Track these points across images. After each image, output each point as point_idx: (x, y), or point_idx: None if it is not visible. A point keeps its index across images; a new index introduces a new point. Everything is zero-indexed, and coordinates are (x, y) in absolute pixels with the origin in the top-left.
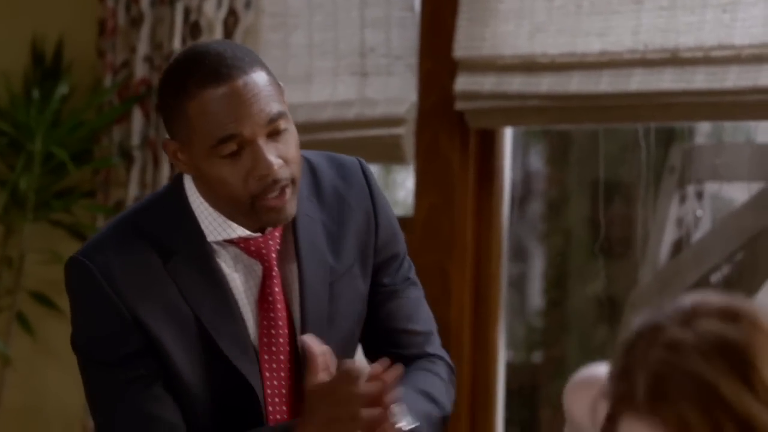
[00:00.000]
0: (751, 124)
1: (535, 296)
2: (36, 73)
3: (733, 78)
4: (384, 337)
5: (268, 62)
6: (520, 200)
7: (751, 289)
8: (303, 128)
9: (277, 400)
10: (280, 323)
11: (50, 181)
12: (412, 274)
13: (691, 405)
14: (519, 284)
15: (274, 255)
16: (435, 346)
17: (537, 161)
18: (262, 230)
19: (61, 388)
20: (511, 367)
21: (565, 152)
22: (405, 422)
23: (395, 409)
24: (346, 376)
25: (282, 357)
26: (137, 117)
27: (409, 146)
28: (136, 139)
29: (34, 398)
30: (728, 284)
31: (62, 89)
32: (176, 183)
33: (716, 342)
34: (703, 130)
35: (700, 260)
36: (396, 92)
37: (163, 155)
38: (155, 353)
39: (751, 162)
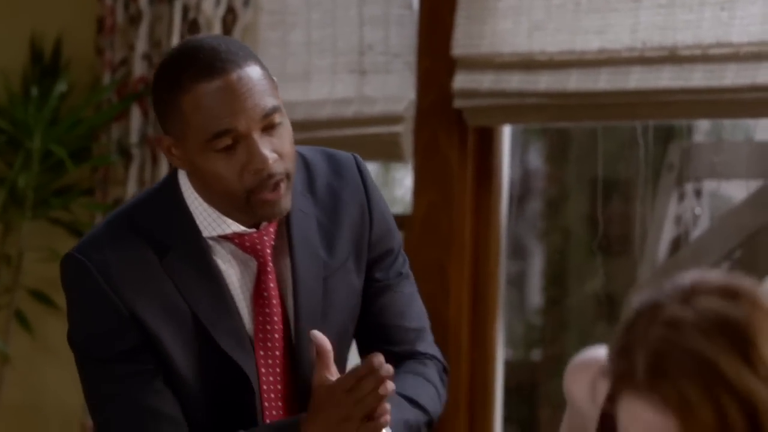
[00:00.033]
0: (750, 122)
1: (535, 294)
2: (35, 70)
3: (731, 76)
4: (376, 333)
5: (267, 60)
6: (520, 198)
7: None
8: (302, 126)
9: (272, 396)
10: (275, 318)
11: (49, 179)
12: (406, 269)
13: (691, 382)
14: (518, 282)
15: (268, 250)
16: (427, 344)
17: (536, 159)
18: (256, 226)
19: (60, 386)
20: (510, 365)
21: (565, 150)
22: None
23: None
24: (359, 375)
25: (277, 353)
26: (136, 115)
27: (407, 144)
28: (134, 137)
29: (33, 396)
30: None
31: (61, 87)
32: (171, 179)
33: (716, 319)
34: (703, 128)
35: (698, 258)
36: (394, 90)
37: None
38: (153, 349)
39: (750, 160)
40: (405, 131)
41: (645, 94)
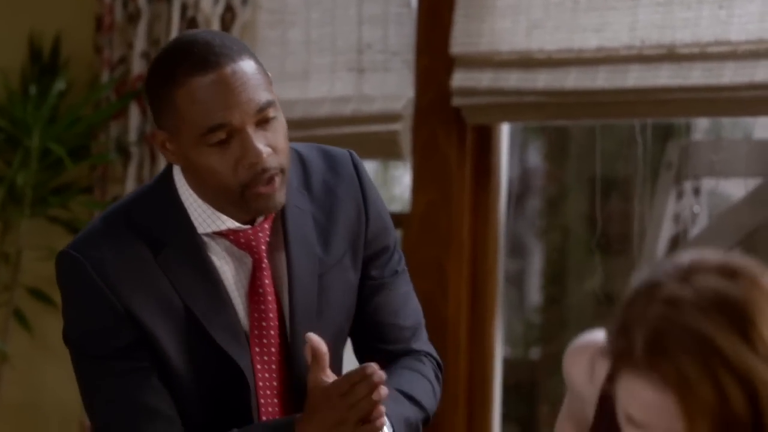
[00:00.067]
0: (749, 120)
1: (534, 292)
2: (33, 69)
3: (729, 74)
4: (371, 331)
5: (266, 59)
6: (519, 197)
7: None
8: (300, 124)
9: (268, 392)
10: (271, 315)
11: (47, 177)
12: (402, 267)
13: (690, 359)
14: (518, 280)
15: (263, 247)
16: (422, 342)
17: (535, 158)
18: (251, 222)
19: (59, 384)
20: (509, 364)
21: (564, 149)
22: (387, 429)
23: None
24: (353, 381)
25: (273, 349)
26: (134, 113)
27: (406, 142)
28: (133, 135)
29: (31, 395)
30: None
31: (59, 85)
32: (166, 176)
33: (715, 298)
34: (702, 126)
35: None
36: (393, 88)
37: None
38: (148, 346)
39: (748, 158)
40: (403, 129)
41: (643, 93)
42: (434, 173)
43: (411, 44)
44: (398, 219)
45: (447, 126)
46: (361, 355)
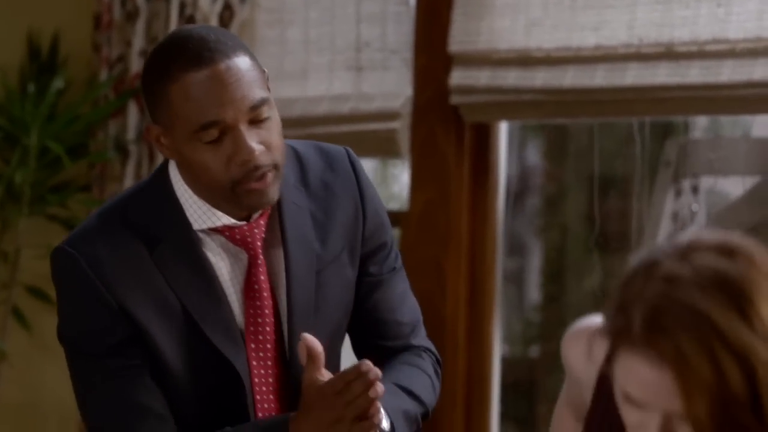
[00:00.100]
0: (748, 119)
1: (533, 291)
2: (32, 67)
3: (727, 72)
4: (369, 328)
5: (264, 58)
6: (518, 195)
7: None
8: (299, 122)
9: (264, 389)
10: (266, 311)
11: (46, 176)
12: (399, 263)
13: (688, 336)
14: (517, 279)
15: (259, 243)
16: (420, 337)
17: (534, 156)
18: (247, 218)
19: (58, 382)
20: (508, 362)
21: (563, 147)
22: (385, 422)
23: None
24: (348, 379)
25: (269, 346)
26: (133, 111)
27: (404, 140)
28: (131, 133)
29: (30, 393)
30: None
31: (58, 83)
32: (161, 172)
33: (713, 276)
34: (701, 124)
35: None
36: (391, 87)
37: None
38: (143, 343)
39: (747, 156)
40: (402, 128)
41: (641, 91)
42: (432, 171)
43: (409, 42)
44: (396, 217)
45: (445, 124)
46: (361, 353)
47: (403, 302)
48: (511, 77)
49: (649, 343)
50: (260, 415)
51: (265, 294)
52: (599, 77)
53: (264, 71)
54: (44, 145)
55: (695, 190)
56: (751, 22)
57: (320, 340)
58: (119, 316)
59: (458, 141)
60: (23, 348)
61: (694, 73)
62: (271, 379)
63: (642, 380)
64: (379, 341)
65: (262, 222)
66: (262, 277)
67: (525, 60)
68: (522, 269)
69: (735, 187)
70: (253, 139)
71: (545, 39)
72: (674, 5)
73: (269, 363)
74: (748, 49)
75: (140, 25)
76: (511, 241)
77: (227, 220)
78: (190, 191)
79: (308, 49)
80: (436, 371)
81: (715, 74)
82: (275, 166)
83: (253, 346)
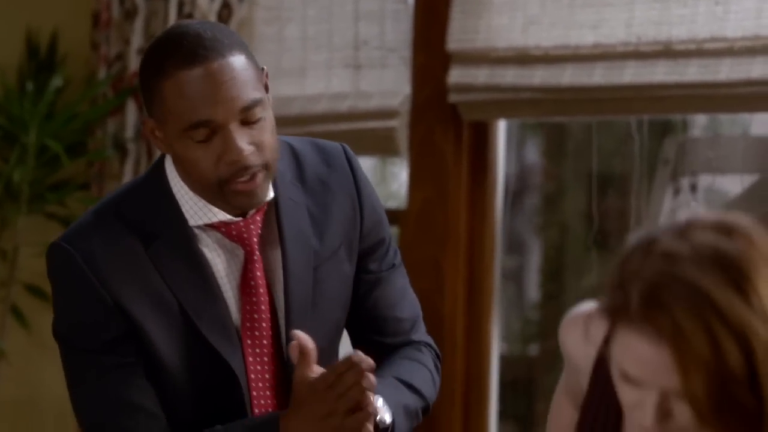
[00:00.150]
0: (747, 117)
1: (533, 289)
2: (30, 65)
3: (725, 70)
4: (370, 325)
5: (263, 55)
6: (517, 193)
7: None
8: (297, 121)
9: (261, 385)
10: (263, 307)
11: (44, 174)
12: (398, 260)
13: (686, 311)
14: (516, 277)
15: (255, 239)
16: (420, 333)
17: (533, 155)
18: (243, 214)
19: (56, 381)
20: (507, 360)
21: (562, 146)
22: (387, 416)
23: (376, 402)
24: (339, 371)
25: (265, 342)
26: (131, 109)
27: (402, 139)
28: (130, 132)
29: (28, 391)
30: None
31: (56, 82)
32: (158, 168)
33: (711, 253)
34: (700, 122)
35: None
36: (390, 85)
37: (158, 151)
38: (137, 340)
39: (745, 154)
40: (400, 126)
41: (640, 89)
42: (431, 170)
43: (408, 41)
44: (395, 216)
45: (443, 122)
46: (362, 350)
47: (403, 298)
48: (510, 75)
49: (647, 318)
50: (257, 411)
51: (261, 290)
52: (597, 75)
53: (262, 69)
54: (43, 143)
55: (694, 188)
56: (749, 21)
57: (317, 336)
58: (114, 312)
59: (456, 139)
60: (22, 346)
61: (693, 72)
62: (267, 376)
63: (639, 357)
64: (379, 338)
65: (258, 218)
66: (258, 273)
67: (523, 58)
68: (521, 268)
69: (733, 185)
70: (243, 140)
71: (543, 37)
72: (672, 3)
73: (265, 359)
74: (746, 48)
75: (139, 24)
76: (511, 239)
77: (223, 216)
78: (186, 187)
79: (306, 47)
80: (436, 366)
81: (713, 72)
82: (266, 166)
83: (249, 342)
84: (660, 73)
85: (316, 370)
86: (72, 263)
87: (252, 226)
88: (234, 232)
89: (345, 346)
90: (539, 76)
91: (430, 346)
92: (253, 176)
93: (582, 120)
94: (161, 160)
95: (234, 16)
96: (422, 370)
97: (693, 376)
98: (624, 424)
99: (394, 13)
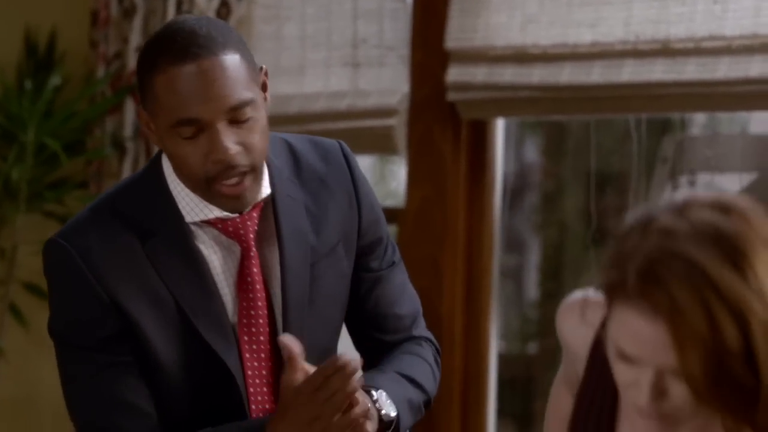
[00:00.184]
0: (746, 116)
1: (531, 287)
2: (29, 64)
3: (724, 69)
4: (371, 323)
5: (261, 54)
6: (517, 192)
7: None
8: (296, 119)
9: (257, 381)
10: (259, 304)
11: (43, 172)
12: (397, 256)
13: (683, 286)
14: (516, 275)
15: (251, 235)
16: (420, 328)
17: (533, 153)
18: (239, 210)
19: (54, 379)
20: (506, 359)
21: (561, 144)
22: (391, 410)
23: (380, 396)
24: (326, 374)
25: (262, 338)
26: (130, 108)
27: (401, 137)
28: (128, 130)
29: (26, 389)
30: None
31: (55, 80)
32: (154, 164)
33: (709, 230)
34: (699, 121)
35: None
36: (388, 83)
37: (156, 148)
38: (133, 337)
39: (744, 153)
40: (398, 124)
41: (638, 87)
42: (429, 168)
43: (406, 39)
44: (393, 214)
45: (442, 121)
46: (361, 347)
47: (403, 294)
48: (508, 74)
49: (644, 294)
50: (253, 408)
51: (258, 286)
52: (596, 74)
53: (261, 68)
54: (41, 141)
55: (692, 186)
56: (747, 19)
57: (315, 332)
58: (110, 309)
59: (455, 138)
60: (20, 344)
61: (691, 70)
62: (264, 372)
63: (636, 334)
64: (379, 335)
65: (254, 214)
66: (255, 270)
67: (521, 57)
68: (520, 266)
69: (732, 183)
70: (230, 139)
71: (542, 36)
72: (670, 2)
73: (262, 356)
74: (744, 46)
75: (137, 22)
76: (510, 237)
77: (219, 212)
78: (182, 183)
79: (305, 46)
80: (436, 360)
81: (711, 71)
82: (253, 168)
83: (246, 338)
84: (658, 71)
85: (306, 370)
86: (68, 260)
87: (248, 223)
88: (230, 229)
89: (345, 346)
90: (537, 75)
91: (430, 340)
92: (240, 179)
93: (580, 118)
94: (158, 156)
95: (233, 14)
96: (423, 365)
97: (689, 352)
98: (620, 408)
99: (393, 12)
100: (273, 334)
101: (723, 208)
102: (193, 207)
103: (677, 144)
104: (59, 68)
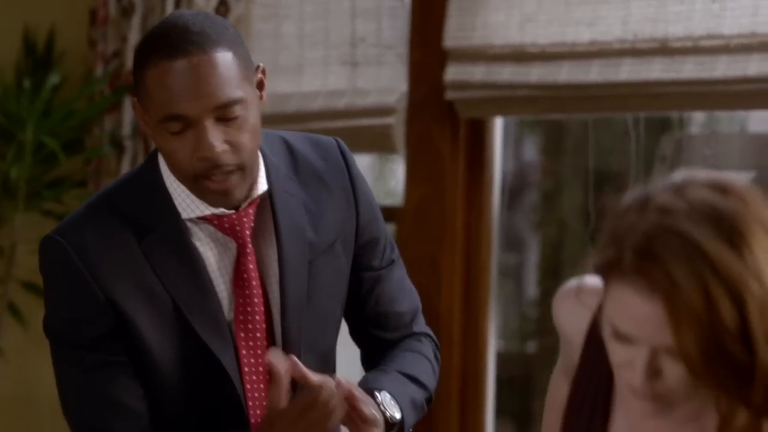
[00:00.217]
0: (744, 114)
1: (530, 286)
2: (27, 63)
3: (722, 67)
4: (371, 321)
5: (259, 52)
6: (516, 191)
7: None
8: (294, 118)
9: (254, 377)
10: (256, 300)
11: (41, 171)
12: (396, 254)
13: (679, 263)
14: (515, 274)
15: (248, 232)
16: (420, 324)
17: (532, 152)
18: (236, 207)
19: (53, 378)
20: (505, 357)
21: (560, 143)
22: (396, 412)
23: (384, 398)
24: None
25: (259, 335)
26: (128, 107)
27: (399, 136)
28: (127, 129)
29: (25, 388)
30: None
31: (53, 79)
32: (151, 161)
33: (707, 209)
34: (698, 120)
35: None
36: (386, 82)
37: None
38: (128, 335)
39: (743, 152)
40: (397, 123)
41: (636, 86)
42: (428, 167)
43: (404, 38)
44: (391, 213)
45: (440, 120)
46: (363, 345)
47: (402, 290)
48: (506, 73)
49: (640, 271)
50: (250, 404)
51: (254, 283)
52: (594, 73)
53: (258, 67)
54: (40, 140)
55: None
56: (745, 18)
57: (313, 329)
58: (105, 308)
59: (453, 136)
60: (18, 343)
61: (689, 69)
62: (261, 369)
63: (632, 312)
64: (380, 333)
65: (251, 211)
66: (251, 266)
67: (520, 55)
68: (519, 265)
69: None
70: (217, 137)
71: (540, 34)
72: (668, 1)
73: (259, 353)
74: (742, 45)
75: (136, 21)
76: (509, 236)
77: (215, 208)
78: (177, 181)
79: (303, 44)
80: (435, 356)
81: (709, 70)
82: (241, 167)
83: (242, 335)
84: (656, 70)
85: (285, 396)
86: (65, 256)
87: (245, 219)
88: (226, 225)
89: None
90: (536, 74)
91: (429, 336)
92: (226, 176)
93: (579, 117)
94: (155, 153)
95: (231, 12)
96: (423, 361)
97: (685, 329)
98: (615, 394)
99: (391, 10)
100: (270, 331)
101: (721, 188)
102: (189, 203)
103: (676, 143)
104: (58, 67)
